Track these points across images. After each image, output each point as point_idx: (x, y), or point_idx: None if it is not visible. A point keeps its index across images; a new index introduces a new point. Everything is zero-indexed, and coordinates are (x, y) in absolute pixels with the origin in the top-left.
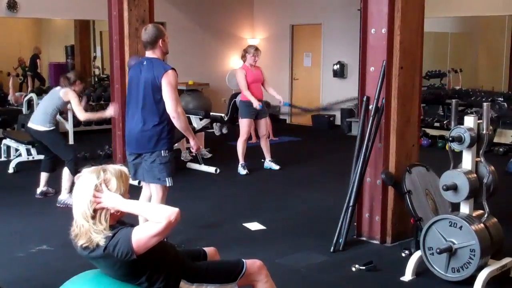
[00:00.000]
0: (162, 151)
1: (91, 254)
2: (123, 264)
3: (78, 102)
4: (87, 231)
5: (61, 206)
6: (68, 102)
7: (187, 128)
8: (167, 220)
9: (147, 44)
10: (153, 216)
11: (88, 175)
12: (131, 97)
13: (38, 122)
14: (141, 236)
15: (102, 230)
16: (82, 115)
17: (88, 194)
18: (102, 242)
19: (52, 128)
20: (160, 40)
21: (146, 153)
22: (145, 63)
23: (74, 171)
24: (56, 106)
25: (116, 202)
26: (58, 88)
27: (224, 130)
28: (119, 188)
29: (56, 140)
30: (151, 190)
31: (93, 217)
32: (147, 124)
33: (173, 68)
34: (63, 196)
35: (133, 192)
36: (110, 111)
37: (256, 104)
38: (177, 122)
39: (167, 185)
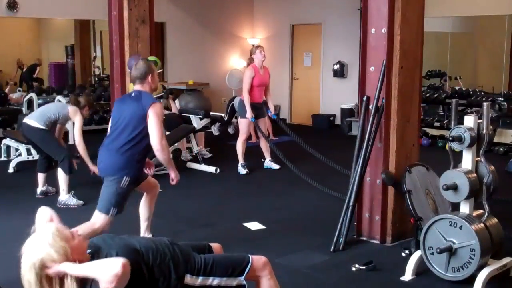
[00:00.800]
0: (124, 179)
1: None
2: None
3: (82, 126)
4: None
5: (62, 206)
6: (70, 119)
7: (169, 161)
8: (116, 278)
9: (136, 79)
10: (102, 277)
11: (25, 264)
12: (112, 123)
13: (34, 119)
14: None
15: None
16: (80, 142)
17: (35, 278)
18: None
19: (45, 128)
20: (150, 76)
21: (107, 176)
22: (133, 94)
23: (69, 171)
24: (58, 113)
25: (64, 270)
26: (67, 103)
27: (231, 131)
28: (57, 258)
29: (47, 139)
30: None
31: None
32: (117, 150)
33: (160, 102)
34: (63, 197)
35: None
36: (94, 169)
37: (249, 116)
38: (161, 154)
39: (102, 214)
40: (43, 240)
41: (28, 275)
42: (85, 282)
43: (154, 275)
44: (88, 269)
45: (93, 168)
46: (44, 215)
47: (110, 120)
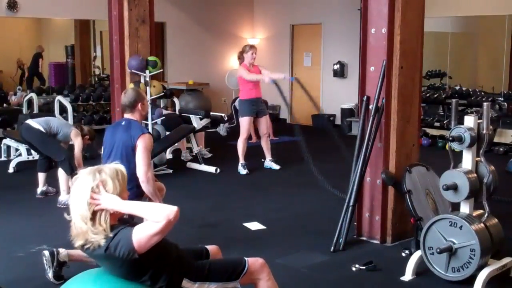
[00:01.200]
0: None
1: (93, 253)
2: (125, 263)
3: (80, 150)
4: (84, 233)
5: (62, 206)
6: (70, 140)
7: (155, 193)
8: (166, 219)
9: (126, 107)
10: (152, 215)
11: (84, 177)
12: (105, 149)
13: (36, 122)
14: (142, 236)
15: (102, 231)
16: (78, 159)
17: (85, 197)
18: (102, 243)
19: (45, 132)
20: (140, 104)
21: None
22: (123, 123)
23: (70, 171)
24: (61, 129)
25: (113, 203)
26: (73, 126)
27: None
28: (116, 189)
29: (46, 141)
30: None
31: (92, 219)
32: None
33: (149, 132)
34: (63, 197)
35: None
36: None
37: (267, 79)
38: (146, 186)
39: None
40: (113, 169)
41: (83, 188)
42: (114, 227)
43: (162, 267)
44: (138, 206)
45: None
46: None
47: (103, 146)
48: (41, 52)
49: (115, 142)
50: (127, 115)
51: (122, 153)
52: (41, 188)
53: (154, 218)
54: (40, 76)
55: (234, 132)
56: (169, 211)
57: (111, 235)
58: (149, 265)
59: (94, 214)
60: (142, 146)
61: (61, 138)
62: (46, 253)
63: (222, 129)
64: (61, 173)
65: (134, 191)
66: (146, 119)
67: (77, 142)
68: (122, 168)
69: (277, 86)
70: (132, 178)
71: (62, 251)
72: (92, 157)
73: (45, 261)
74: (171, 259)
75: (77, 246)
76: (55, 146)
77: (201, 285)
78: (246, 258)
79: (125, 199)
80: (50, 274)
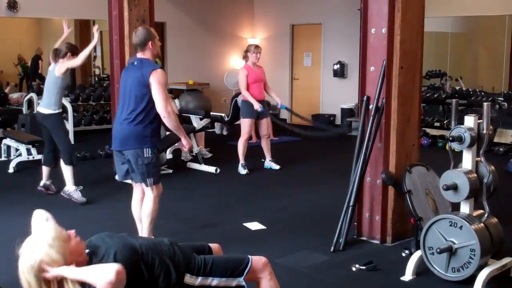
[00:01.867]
0: (145, 150)
1: None
2: None
3: (74, 64)
4: None
5: (65, 196)
6: (66, 74)
7: (178, 127)
8: (109, 285)
9: (137, 46)
10: (97, 282)
11: (23, 266)
12: (120, 95)
13: (44, 105)
14: None
15: None
16: (79, 60)
17: (34, 282)
18: None
19: (57, 111)
20: (150, 42)
21: (127, 150)
22: (135, 63)
23: (69, 162)
24: (56, 85)
25: (62, 273)
26: (51, 66)
27: (225, 132)
28: (56, 259)
29: (58, 125)
30: (144, 190)
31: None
32: (130, 121)
33: (162, 68)
34: (69, 188)
35: (123, 189)
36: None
37: (257, 106)
38: (168, 121)
39: (148, 186)
40: (41, 241)
41: (27, 277)
42: (84, 284)
43: (153, 274)
44: (84, 274)
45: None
46: (40, 217)
47: (119, 91)
48: (40, 55)
49: (127, 83)
50: (138, 54)
51: (137, 94)
52: (44, 181)
53: (98, 285)
54: (41, 78)
55: (234, 132)
56: (109, 276)
57: None
58: (140, 282)
59: (60, 285)
60: (156, 81)
61: (62, 84)
62: None
63: (217, 128)
64: (63, 165)
65: (150, 127)
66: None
67: (68, 64)
68: (52, 230)
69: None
70: (152, 116)
71: None
72: (92, 157)
73: None
74: (166, 259)
75: None
76: (63, 133)
77: (204, 280)
78: (250, 256)
79: (75, 246)
80: None
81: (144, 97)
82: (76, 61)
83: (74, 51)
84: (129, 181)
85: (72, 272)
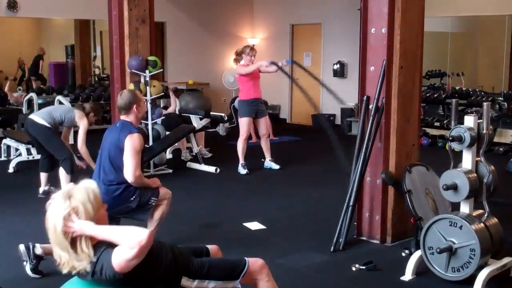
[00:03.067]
0: (131, 201)
1: (82, 278)
2: (114, 283)
3: (85, 131)
4: (68, 261)
5: None
6: (75, 124)
7: (144, 184)
8: (138, 246)
9: (121, 109)
10: (125, 242)
11: (55, 206)
12: (98, 154)
13: (40, 116)
14: (120, 260)
15: (86, 257)
16: (82, 145)
17: (59, 227)
18: (88, 268)
19: (49, 126)
20: (135, 106)
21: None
22: (117, 125)
23: (70, 170)
24: (65, 116)
25: (87, 229)
26: (75, 108)
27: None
28: (88, 213)
29: (50, 137)
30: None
31: (73, 247)
32: (113, 192)
33: (139, 132)
34: None
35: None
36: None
37: (265, 63)
38: (135, 185)
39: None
40: (83, 192)
41: (56, 219)
42: (97, 248)
43: (155, 275)
44: (111, 232)
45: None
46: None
47: (100, 148)
48: (42, 55)
49: (106, 143)
50: (122, 117)
51: (110, 154)
52: (43, 187)
53: (127, 244)
54: (41, 78)
55: (234, 132)
56: (141, 237)
57: (94, 259)
58: (139, 278)
59: (73, 241)
60: (128, 146)
61: (68, 124)
62: (22, 247)
63: (221, 129)
64: (62, 172)
65: (131, 189)
66: (146, 119)
67: (82, 124)
68: (93, 186)
69: (279, 67)
70: (122, 179)
71: (38, 245)
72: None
73: (21, 255)
74: (166, 261)
75: (65, 273)
76: (59, 144)
77: (200, 283)
78: (246, 258)
79: (102, 215)
80: (27, 267)
81: (117, 161)
82: (80, 143)
83: (96, 111)
84: None
85: (97, 230)
